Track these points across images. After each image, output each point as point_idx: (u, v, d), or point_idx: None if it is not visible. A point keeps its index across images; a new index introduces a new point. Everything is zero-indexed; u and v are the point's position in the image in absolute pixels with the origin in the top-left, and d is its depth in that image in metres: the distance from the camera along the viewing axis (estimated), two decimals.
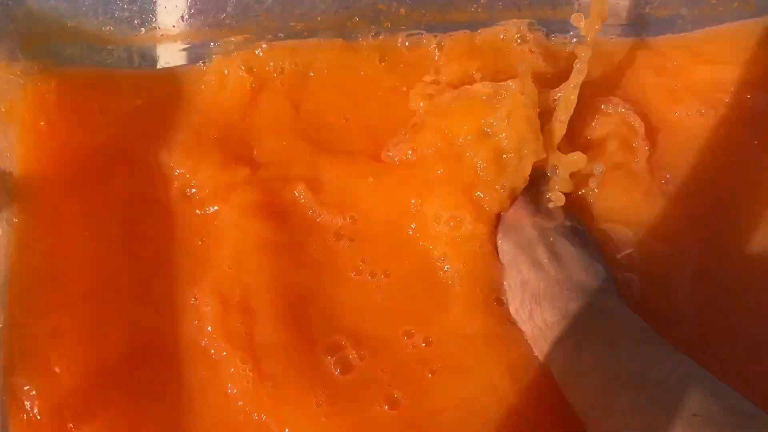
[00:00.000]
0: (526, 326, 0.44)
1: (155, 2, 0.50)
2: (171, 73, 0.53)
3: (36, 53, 0.50)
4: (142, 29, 0.51)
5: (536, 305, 0.43)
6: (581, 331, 0.41)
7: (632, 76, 0.55)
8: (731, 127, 0.53)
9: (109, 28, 0.51)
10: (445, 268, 0.47)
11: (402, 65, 0.52)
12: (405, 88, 0.51)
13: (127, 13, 0.50)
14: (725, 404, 0.33)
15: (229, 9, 0.51)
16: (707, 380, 0.35)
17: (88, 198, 0.46)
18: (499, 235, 0.47)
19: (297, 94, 0.52)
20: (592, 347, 0.40)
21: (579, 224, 0.48)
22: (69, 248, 0.44)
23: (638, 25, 0.56)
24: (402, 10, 0.53)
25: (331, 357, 0.44)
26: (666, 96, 0.54)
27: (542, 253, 0.45)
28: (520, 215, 0.47)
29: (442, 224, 0.47)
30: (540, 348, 0.43)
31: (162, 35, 0.52)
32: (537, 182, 0.49)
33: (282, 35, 0.53)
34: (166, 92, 0.51)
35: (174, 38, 0.52)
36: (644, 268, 0.48)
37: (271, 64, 0.52)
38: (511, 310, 0.45)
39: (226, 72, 0.51)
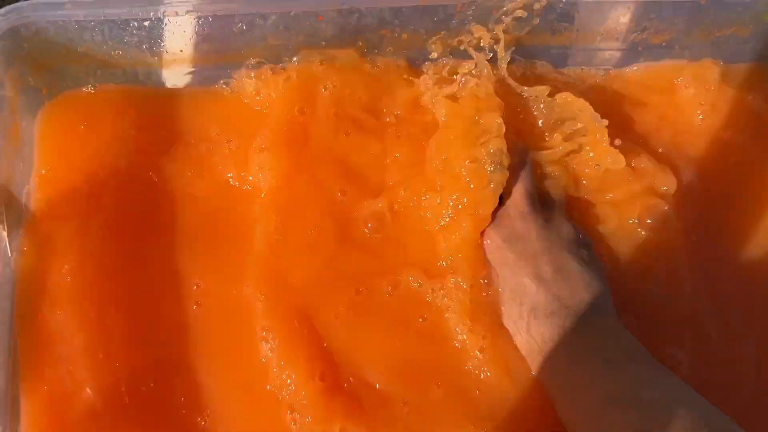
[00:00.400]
0: (521, 337, 0.44)
1: (163, 27, 0.51)
2: (184, 93, 0.54)
3: (46, 77, 0.51)
4: (151, 54, 0.52)
5: (534, 318, 0.43)
6: (577, 347, 0.41)
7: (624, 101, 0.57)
8: (718, 150, 0.55)
9: (118, 52, 0.52)
10: None
11: None
12: None
13: (136, 38, 0.51)
14: (713, 426, 0.34)
15: (235, 33, 0.52)
16: (699, 403, 0.36)
17: (100, 217, 0.47)
18: (498, 239, 0.47)
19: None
20: (587, 364, 0.40)
21: (584, 238, 0.48)
22: (80, 267, 0.45)
23: (635, 50, 0.58)
24: (404, 35, 0.54)
25: None
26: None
27: (546, 268, 0.44)
28: (527, 225, 0.47)
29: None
30: (534, 361, 0.44)
31: (170, 59, 0.53)
32: (537, 189, 0.50)
33: (287, 58, 0.54)
34: (180, 113, 0.52)
35: (182, 61, 0.53)
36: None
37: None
38: (504, 318, 0.46)
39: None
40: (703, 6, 0.55)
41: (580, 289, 0.44)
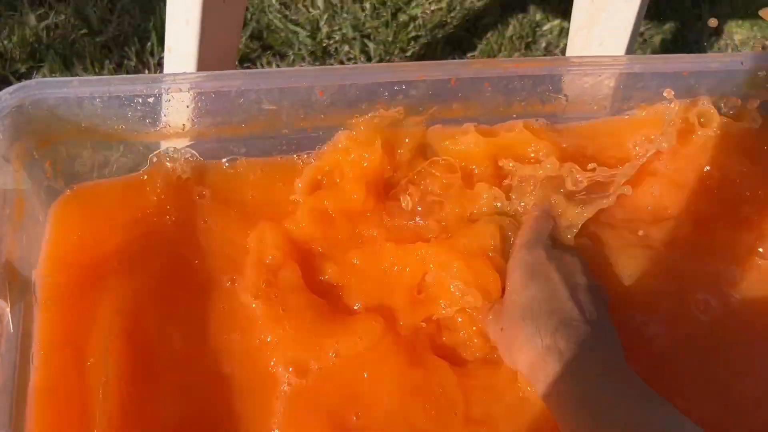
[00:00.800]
0: (540, 386, 0.44)
1: (166, 102, 0.52)
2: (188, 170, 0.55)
3: (50, 151, 0.52)
4: (153, 128, 0.53)
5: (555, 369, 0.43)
6: (586, 394, 0.42)
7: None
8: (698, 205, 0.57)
9: (122, 127, 0.53)
10: None
11: None
12: None
13: (139, 113, 0.52)
14: None
15: (236, 108, 0.54)
16: None
17: (107, 295, 0.47)
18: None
19: None
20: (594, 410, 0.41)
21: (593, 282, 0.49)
22: (84, 346, 0.45)
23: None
24: (400, 108, 0.56)
25: None
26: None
27: (573, 311, 0.45)
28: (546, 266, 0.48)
29: None
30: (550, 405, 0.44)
31: (172, 132, 0.54)
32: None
33: (286, 131, 0.56)
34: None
35: (183, 135, 0.55)
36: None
37: None
38: (523, 366, 0.46)
39: None
40: (685, 77, 0.57)
41: (598, 335, 0.44)
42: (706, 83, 0.58)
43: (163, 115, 0.53)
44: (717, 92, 0.59)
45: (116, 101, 0.51)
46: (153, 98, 0.52)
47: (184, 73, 0.52)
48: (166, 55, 0.68)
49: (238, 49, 0.93)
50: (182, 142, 0.55)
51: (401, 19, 1.21)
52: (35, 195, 0.51)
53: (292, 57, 1.17)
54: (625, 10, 0.72)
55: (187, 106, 0.53)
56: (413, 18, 1.21)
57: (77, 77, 0.50)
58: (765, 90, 0.59)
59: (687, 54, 0.58)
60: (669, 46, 1.23)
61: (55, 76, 1.13)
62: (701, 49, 1.22)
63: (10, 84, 1.11)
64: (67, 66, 1.15)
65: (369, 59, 1.18)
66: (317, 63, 1.16)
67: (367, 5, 1.22)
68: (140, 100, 0.51)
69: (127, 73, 1.15)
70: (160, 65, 1.16)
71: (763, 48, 1.20)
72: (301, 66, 1.15)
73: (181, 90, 0.52)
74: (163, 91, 0.51)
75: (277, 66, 1.16)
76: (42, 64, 1.15)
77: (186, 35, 0.62)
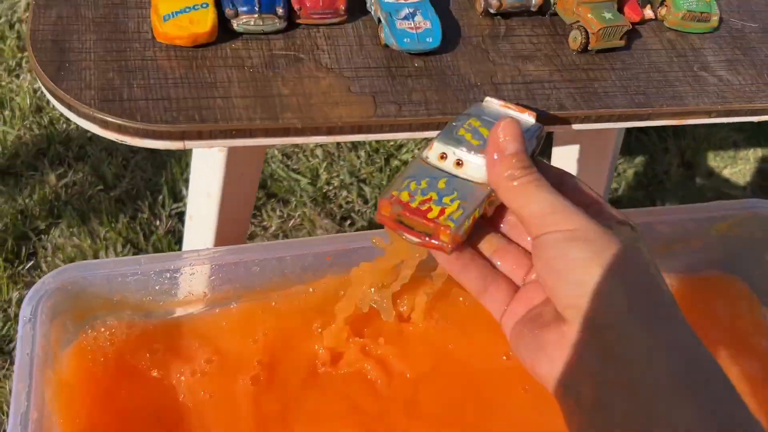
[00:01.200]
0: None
1: (190, 275, 0.58)
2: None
3: (82, 323, 0.58)
4: (176, 298, 0.59)
5: None
6: None
7: None
8: None
9: (149, 299, 0.58)
10: None
11: None
12: None
13: (166, 286, 0.58)
14: None
15: (253, 275, 0.59)
16: None
17: None
18: None
19: None
20: None
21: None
22: None
23: None
24: None
25: None
26: None
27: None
28: None
29: None
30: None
31: (194, 300, 0.60)
32: None
33: (294, 291, 0.62)
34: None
35: (204, 301, 0.60)
36: None
37: None
38: None
39: None
40: (654, 224, 0.64)
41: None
42: (675, 233, 0.65)
43: (186, 285, 0.59)
44: (684, 240, 0.65)
45: (146, 278, 0.57)
46: (178, 273, 0.58)
47: (207, 249, 0.58)
48: (187, 221, 0.74)
49: (251, 212, 1.01)
50: (201, 307, 0.61)
51: (393, 164, 1.31)
52: (67, 363, 0.56)
53: (294, 203, 1.25)
54: (598, 170, 0.80)
55: (210, 277, 0.59)
56: (404, 163, 1.31)
57: (113, 259, 0.57)
58: (730, 237, 0.66)
59: (658, 207, 0.66)
60: (641, 178, 1.32)
61: (72, 231, 1.21)
62: (670, 179, 1.31)
63: (29, 239, 1.20)
64: (83, 220, 1.22)
65: (366, 202, 1.26)
66: (318, 208, 1.23)
67: (362, 153, 1.32)
68: (167, 275, 0.57)
69: (140, 225, 1.22)
70: (170, 217, 1.23)
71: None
72: (303, 211, 1.22)
73: (203, 263, 0.58)
74: (187, 266, 0.57)
75: (281, 212, 1.24)
76: (60, 221, 1.23)
77: (207, 207, 0.69)
